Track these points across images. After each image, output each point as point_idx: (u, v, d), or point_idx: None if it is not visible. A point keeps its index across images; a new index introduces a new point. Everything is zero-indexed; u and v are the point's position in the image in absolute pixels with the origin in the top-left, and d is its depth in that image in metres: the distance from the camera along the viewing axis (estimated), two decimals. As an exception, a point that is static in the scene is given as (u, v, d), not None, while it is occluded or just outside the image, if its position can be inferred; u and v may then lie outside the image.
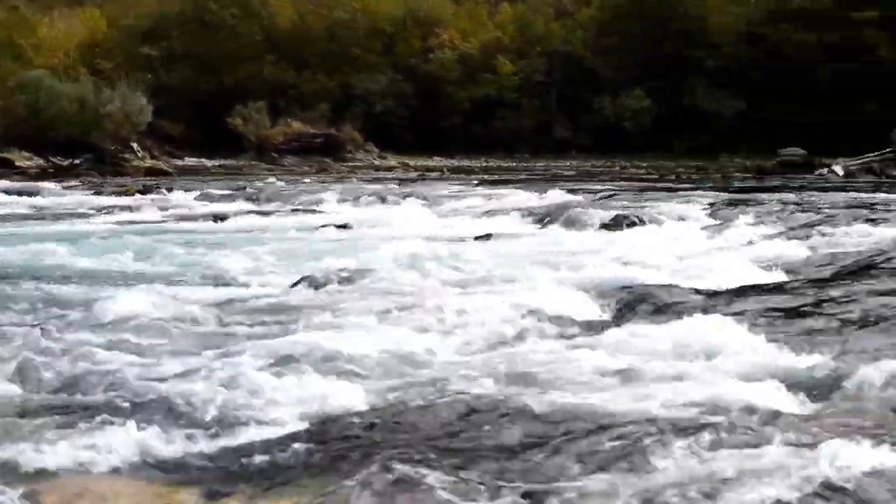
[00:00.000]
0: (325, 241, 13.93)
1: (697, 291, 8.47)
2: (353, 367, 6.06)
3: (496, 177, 32.59)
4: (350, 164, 43.26)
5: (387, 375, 6.00)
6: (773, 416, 4.78)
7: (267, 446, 4.69)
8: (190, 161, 43.17)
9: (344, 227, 16.15)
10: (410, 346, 6.56)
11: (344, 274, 9.64)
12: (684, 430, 4.59)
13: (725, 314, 7.61)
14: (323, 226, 16.35)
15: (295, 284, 9.47)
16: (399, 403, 5.26)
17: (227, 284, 9.70)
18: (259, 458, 4.54)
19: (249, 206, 21.19)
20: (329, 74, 59.43)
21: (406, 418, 5.01)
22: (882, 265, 9.70)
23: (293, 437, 4.82)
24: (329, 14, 62.52)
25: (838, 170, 31.60)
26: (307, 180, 30.21)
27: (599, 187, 23.77)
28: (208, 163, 42.80)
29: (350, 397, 5.45)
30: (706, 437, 4.50)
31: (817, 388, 5.42)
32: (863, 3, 52.52)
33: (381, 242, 12.90)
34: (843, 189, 22.30)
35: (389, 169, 41.58)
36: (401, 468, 4.20)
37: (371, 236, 14.58)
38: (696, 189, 22.73)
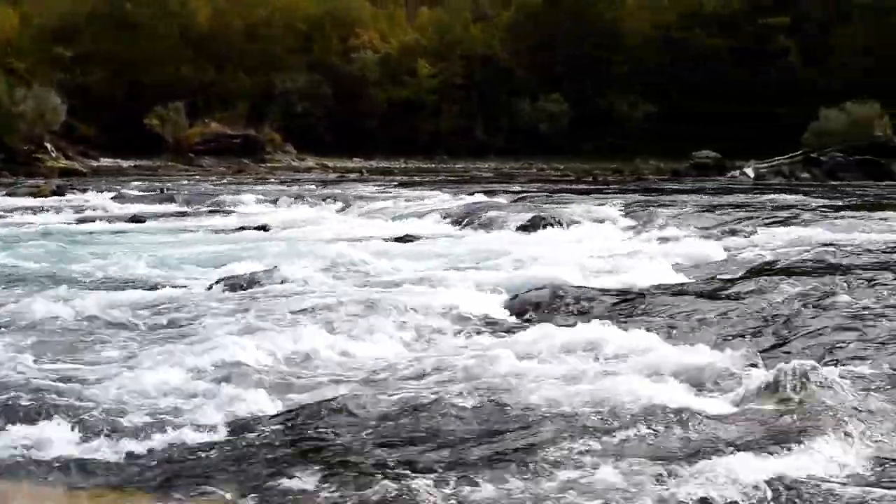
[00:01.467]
0: (242, 243, 13.83)
1: (612, 292, 8.61)
2: (270, 368, 6.07)
3: (415, 178, 32.63)
4: (268, 165, 42.93)
5: (304, 376, 6.02)
6: (684, 415, 4.88)
7: (184, 448, 4.68)
8: (105, 162, 42.41)
9: (262, 228, 16.04)
10: (327, 347, 6.59)
11: (261, 276, 9.60)
12: (593, 427, 4.69)
13: (640, 314, 7.78)
14: (240, 227, 16.23)
15: (212, 286, 9.41)
16: (316, 403, 5.28)
17: (143, 286, 9.58)
18: (175, 460, 4.54)
19: (166, 207, 20.91)
20: (249, 74, 58.85)
21: (323, 418, 5.03)
22: (790, 265, 9.94)
23: (211, 438, 4.82)
24: (248, 13, 61.98)
25: (749, 172, 32.24)
26: (225, 181, 29.94)
27: (517, 189, 23.95)
28: (124, 163, 42.10)
29: (267, 398, 5.46)
30: (616, 435, 4.60)
31: (730, 387, 5.54)
32: (773, 10, 53.60)
33: (299, 244, 12.88)
34: (754, 191, 22.76)
35: (308, 170, 41.38)
36: (318, 467, 4.23)
37: (289, 238, 14.51)
38: (612, 191, 23.02)
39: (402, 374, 5.97)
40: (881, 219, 14.21)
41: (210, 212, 19.79)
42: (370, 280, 9.64)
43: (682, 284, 9.26)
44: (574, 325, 7.25)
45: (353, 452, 4.49)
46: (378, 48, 60.12)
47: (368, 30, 61.70)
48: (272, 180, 31.52)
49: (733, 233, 13.03)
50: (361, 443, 4.64)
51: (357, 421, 4.98)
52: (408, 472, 4.23)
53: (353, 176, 35.37)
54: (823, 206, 17.11)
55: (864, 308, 7.47)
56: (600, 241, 13.46)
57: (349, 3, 63.44)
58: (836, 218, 14.32)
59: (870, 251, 10.59)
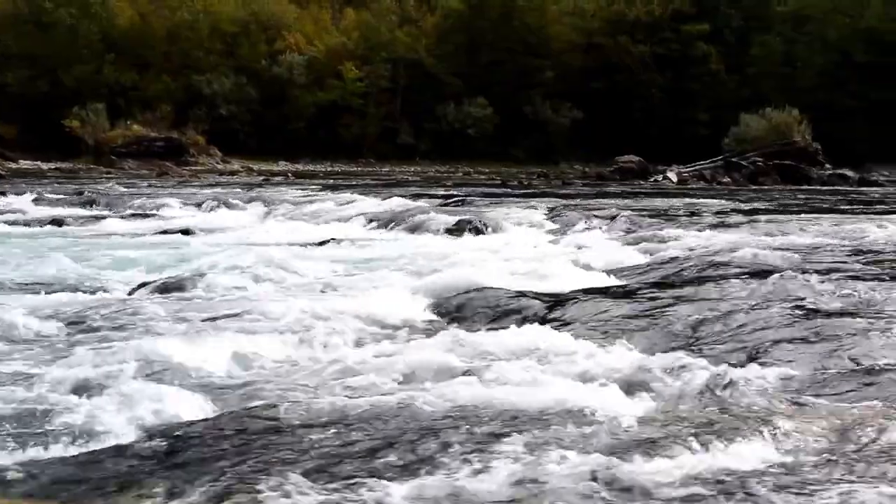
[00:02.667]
0: (165, 247, 13.68)
1: (537, 296, 8.65)
2: (193, 374, 6.00)
3: (341, 182, 32.57)
4: (192, 168, 42.59)
5: (227, 382, 5.96)
6: (609, 419, 4.91)
7: (106, 456, 4.59)
8: (24, 164, 41.73)
9: (185, 232, 15.88)
10: (251, 352, 6.52)
11: (184, 280, 9.50)
12: (518, 430, 4.71)
13: (564, 318, 7.83)
14: (163, 231, 16.06)
15: (134, 291, 9.29)
16: (239, 410, 5.23)
17: (62, 291, 9.42)
18: (97, 469, 4.46)
19: (87, 210, 20.62)
20: (172, 76, 58.25)
21: (245, 425, 4.98)
22: (714, 269, 10.07)
23: (133, 446, 4.74)
24: (171, 15, 61.33)
25: (672, 176, 32.72)
26: (147, 184, 29.59)
27: (443, 193, 24.03)
28: (44, 166, 41.47)
29: (190, 405, 5.39)
30: (541, 439, 4.62)
31: (652, 390, 5.59)
32: (694, 18, 54.55)
33: (223, 248, 12.78)
34: (677, 195, 23.06)
35: (233, 173, 41.15)
36: (242, 475, 4.20)
37: (213, 242, 14.38)
38: (537, 195, 23.18)
39: (323, 378, 5.94)
40: (799, 222, 14.49)
41: (132, 215, 19.54)
42: (294, 284, 9.58)
43: (606, 288, 9.34)
44: (500, 328, 7.29)
45: (270, 459, 4.45)
46: (304, 51, 59.92)
47: (294, 33, 61.45)
48: (196, 183, 31.25)
49: (656, 237, 13.18)
50: (280, 449, 4.60)
51: (277, 426, 4.93)
52: (322, 479, 4.20)
53: (278, 179, 35.20)
54: (744, 210, 17.41)
55: (785, 310, 7.59)
56: (525, 244, 13.56)
57: (274, 6, 63.16)
58: (756, 222, 14.56)
59: (788, 254, 10.77)
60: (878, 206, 19.93)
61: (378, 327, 7.44)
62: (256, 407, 5.26)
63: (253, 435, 4.83)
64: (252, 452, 4.56)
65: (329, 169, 47.46)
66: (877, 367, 5.91)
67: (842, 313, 7.38)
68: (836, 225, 14.12)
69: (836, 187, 31.02)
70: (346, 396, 5.46)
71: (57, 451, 4.67)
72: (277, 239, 14.43)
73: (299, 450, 4.58)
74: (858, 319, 7.10)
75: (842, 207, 19.35)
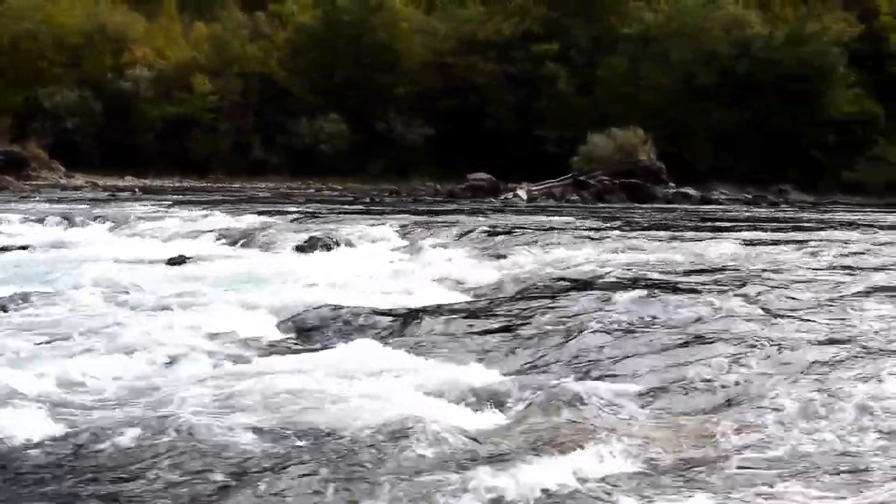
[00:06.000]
0: (3, 264, 13.22)
1: (387, 312, 8.68)
2: (28, 395, 5.80)
3: (191, 197, 32.02)
4: (34, 182, 41.28)
5: (65, 403, 5.79)
6: (453, 433, 4.94)
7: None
8: None
9: (25, 248, 15.39)
10: (91, 371, 6.35)
11: (23, 298, 9.21)
12: (363, 446, 4.70)
13: (413, 334, 7.87)
14: (2, 248, 15.52)
15: (-32, 310, 8.96)
16: (76, 431, 5.09)
17: None
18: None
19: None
20: (13, 88, 56.38)
21: (82, 447, 4.86)
22: (561, 285, 10.25)
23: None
24: (12, 25, 59.38)
25: (522, 194, 33.23)
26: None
27: (295, 209, 23.86)
28: None
29: (24, 427, 5.21)
30: (386, 453, 4.62)
31: (500, 406, 5.66)
32: (543, 38, 55.61)
33: (66, 265, 12.41)
34: (526, 213, 23.40)
35: (77, 188, 40.08)
36: (75, 499, 4.10)
37: (55, 259, 13.95)
38: (389, 211, 23.22)
39: (165, 398, 5.81)
40: (644, 239, 14.87)
41: (-32, 232, 18.79)
42: (138, 303, 9.36)
43: (455, 304, 9.42)
44: (349, 345, 7.28)
45: (105, 483, 4.35)
46: (152, 64, 58.74)
47: (142, 45, 60.20)
48: (38, 199, 30.27)
49: (505, 254, 13.32)
50: (121, 470, 4.50)
51: (113, 450, 4.81)
52: (174, 500, 4.14)
53: (125, 195, 34.40)
54: (591, 228, 17.78)
55: (629, 325, 7.76)
56: (376, 261, 13.55)
57: (122, 19, 61.80)
58: (603, 239, 14.89)
59: (634, 270, 11.03)
60: (717, 224, 20.62)
61: (225, 345, 7.33)
62: (93, 429, 5.12)
63: (90, 458, 4.71)
64: (87, 475, 4.45)
65: (178, 184, 46.64)
66: (718, 381, 6.11)
67: (686, 328, 7.59)
68: (679, 242, 14.55)
69: (680, 205, 32.00)
70: (187, 416, 5.36)
71: None
72: (123, 256, 14.07)
73: (137, 473, 4.48)
74: (702, 334, 7.32)
75: (684, 225, 19.95)
